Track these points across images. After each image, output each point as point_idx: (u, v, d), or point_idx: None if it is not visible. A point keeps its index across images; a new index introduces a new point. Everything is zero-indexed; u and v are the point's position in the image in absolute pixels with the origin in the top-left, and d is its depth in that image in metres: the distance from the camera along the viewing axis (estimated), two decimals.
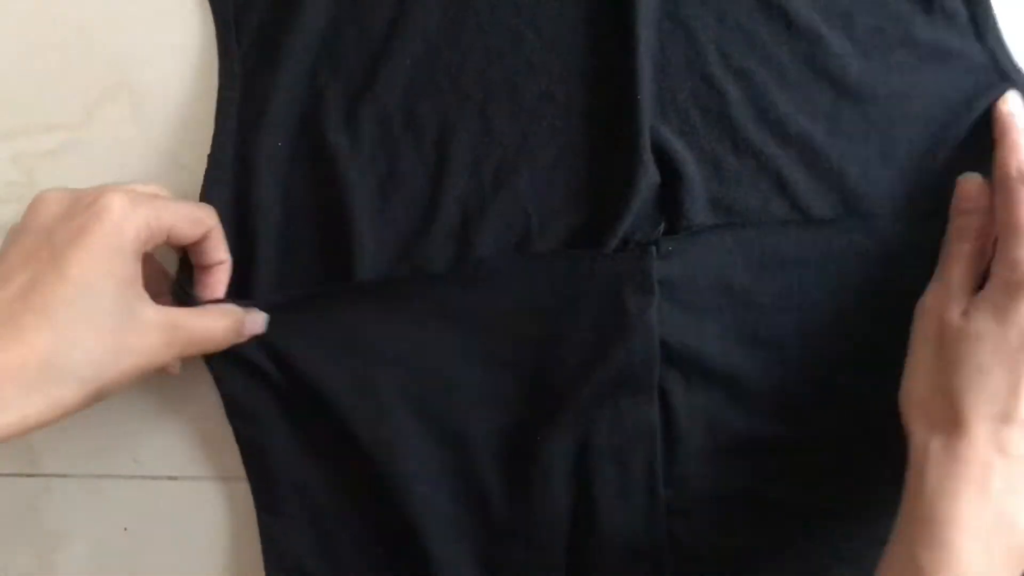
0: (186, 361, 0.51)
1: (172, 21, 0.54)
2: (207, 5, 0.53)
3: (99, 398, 0.43)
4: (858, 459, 0.48)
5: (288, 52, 0.50)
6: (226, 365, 0.50)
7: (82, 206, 0.43)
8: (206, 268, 0.49)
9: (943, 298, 0.44)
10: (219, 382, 0.50)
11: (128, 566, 0.53)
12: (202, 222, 0.47)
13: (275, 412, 0.50)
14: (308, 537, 0.50)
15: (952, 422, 0.41)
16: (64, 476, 0.53)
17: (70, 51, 0.53)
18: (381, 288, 0.49)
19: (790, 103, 0.49)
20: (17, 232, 0.44)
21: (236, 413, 0.50)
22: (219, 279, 0.49)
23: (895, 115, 0.48)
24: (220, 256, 0.49)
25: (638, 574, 0.49)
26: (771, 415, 0.48)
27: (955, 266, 0.45)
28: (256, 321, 0.48)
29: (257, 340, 0.49)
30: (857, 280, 0.48)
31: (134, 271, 0.44)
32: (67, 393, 0.41)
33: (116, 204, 0.43)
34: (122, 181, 0.52)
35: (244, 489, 0.51)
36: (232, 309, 0.48)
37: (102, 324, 0.42)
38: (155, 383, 0.53)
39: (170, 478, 0.53)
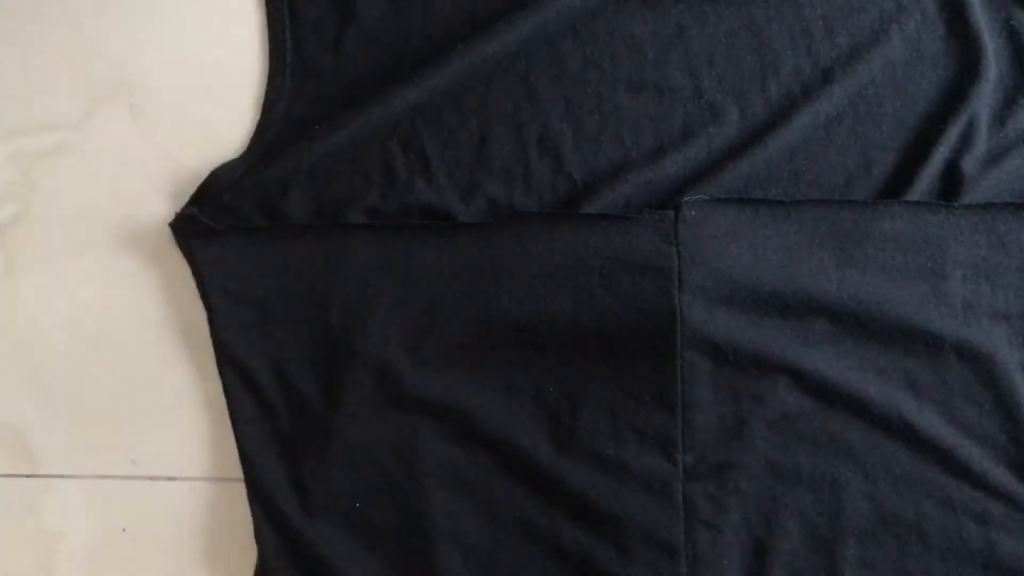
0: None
1: (172, 21, 0.54)
2: (206, 5, 0.53)
3: None
4: (879, 435, 0.48)
5: (347, 46, 0.52)
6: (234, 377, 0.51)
7: None
8: None
9: None
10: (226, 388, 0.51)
11: (127, 566, 0.52)
12: None
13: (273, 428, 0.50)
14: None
15: None
16: (63, 477, 0.53)
17: (70, 51, 0.53)
18: (391, 235, 0.50)
19: (892, 94, 0.51)
20: None
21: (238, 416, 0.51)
22: None
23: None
24: None
25: (651, 536, 0.48)
26: (795, 387, 0.48)
27: None
28: None
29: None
30: (894, 266, 0.49)
31: None
32: None
33: None
34: (121, 180, 0.53)
35: (242, 489, 0.51)
36: None
37: None
38: (155, 384, 0.53)
39: (169, 478, 0.53)
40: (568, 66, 0.51)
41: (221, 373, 0.51)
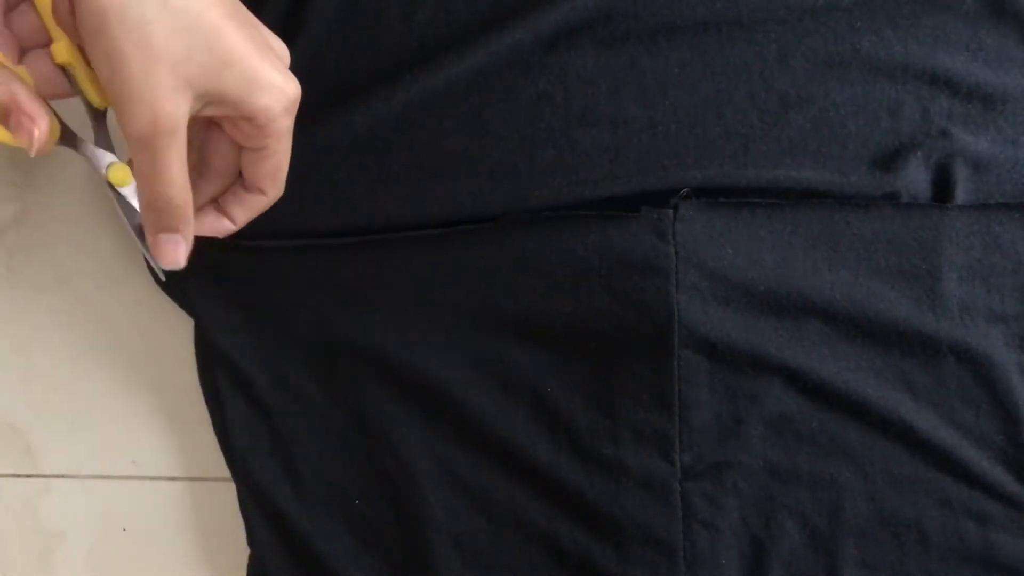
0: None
1: None
2: None
3: None
4: (877, 436, 0.49)
5: (294, 67, 0.50)
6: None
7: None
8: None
9: None
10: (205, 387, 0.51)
11: (127, 566, 0.53)
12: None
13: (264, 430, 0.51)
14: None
15: None
16: (64, 476, 0.53)
17: None
18: (378, 246, 0.49)
19: (853, 113, 0.49)
20: None
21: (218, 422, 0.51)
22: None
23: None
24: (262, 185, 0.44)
25: (650, 536, 0.49)
26: (792, 387, 0.49)
27: None
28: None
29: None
30: (888, 267, 0.49)
31: None
32: None
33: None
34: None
35: None
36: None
37: None
38: (155, 383, 0.53)
39: (169, 478, 0.53)
40: (520, 101, 0.49)
41: (207, 374, 0.51)
